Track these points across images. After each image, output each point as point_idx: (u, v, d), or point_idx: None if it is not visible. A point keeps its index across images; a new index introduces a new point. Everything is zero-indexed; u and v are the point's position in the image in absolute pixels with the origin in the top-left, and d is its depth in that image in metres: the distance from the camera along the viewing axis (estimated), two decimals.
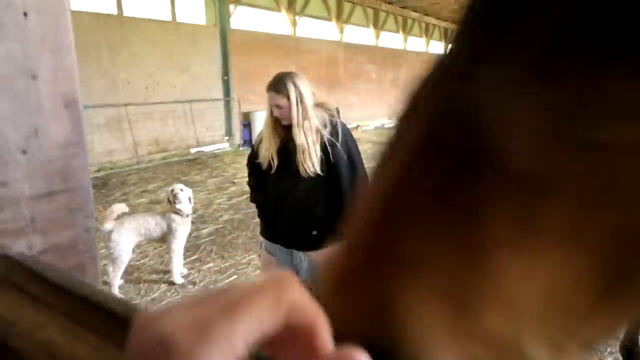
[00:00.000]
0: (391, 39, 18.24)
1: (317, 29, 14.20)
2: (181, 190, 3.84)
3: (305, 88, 2.07)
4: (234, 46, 10.53)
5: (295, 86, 2.04)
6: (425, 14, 19.45)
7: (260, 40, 11.53)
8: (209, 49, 10.16)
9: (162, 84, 9.17)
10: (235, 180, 7.40)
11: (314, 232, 2.18)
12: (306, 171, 2.04)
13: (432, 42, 21.18)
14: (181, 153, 9.58)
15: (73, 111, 0.59)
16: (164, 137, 9.35)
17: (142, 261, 4.18)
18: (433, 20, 20.48)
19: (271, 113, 2.12)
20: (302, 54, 12.89)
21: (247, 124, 10.87)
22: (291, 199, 2.17)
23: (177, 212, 3.77)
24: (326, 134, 2.06)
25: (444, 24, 21.50)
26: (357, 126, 15.13)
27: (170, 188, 3.87)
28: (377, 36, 16.82)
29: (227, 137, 10.76)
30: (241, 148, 10.70)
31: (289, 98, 2.02)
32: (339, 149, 2.06)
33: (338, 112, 2.18)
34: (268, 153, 2.15)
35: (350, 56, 15.09)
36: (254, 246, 4.51)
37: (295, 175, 2.07)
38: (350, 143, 2.13)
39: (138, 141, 8.80)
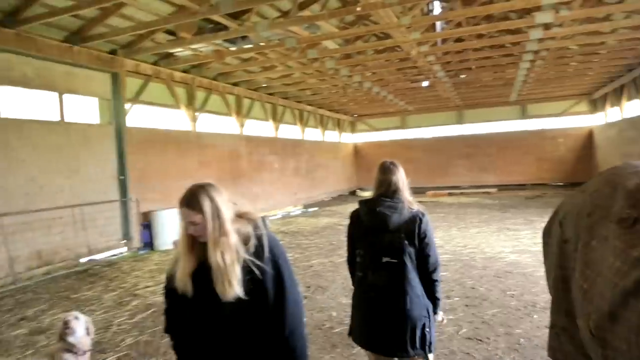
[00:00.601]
0: (290, 130, 19.04)
1: (217, 123, 14.30)
2: (76, 318, 3.22)
3: (222, 200, 1.86)
4: (131, 144, 10.04)
5: (211, 200, 1.83)
6: (319, 107, 20.86)
7: (159, 136, 11.20)
8: (103, 149, 9.54)
9: (46, 189, 8.23)
10: (137, 292, 6.58)
11: None
12: (225, 295, 1.77)
13: (327, 131, 22.54)
14: (69, 265, 8.43)
15: None
16: (48, 248, 8.21)
17: None
18: (326, 112, 22.00)
19: (185, 230, 1.88)
20: (204, 149, 12.74)
21: (147, 225, 10.10)
22: (214, 328, 1.87)
23: (70, 349, 3.12)
24: (249, 249, 1.83)
25: (336, 115, 23.20)
26: (264, 217, 14.94)
27: (64, 317, 3.23)
28: (277, 128, 17.45)
29: (124, 241, 9.82)
30: (140, 252, 9.79)
31: (203, 213, 1.81)
32: (265, 266, 1.84)
33: (264, 223, 1.97)
34: (184, 275, 1.87)
35: (252, 148, 15.30)
36: None
37: (216, 300, 1.79)
38: (277, 257, 1.90)
39: (15, 256, 7.59)
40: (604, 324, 1.47)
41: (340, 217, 14.25)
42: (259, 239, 1.86)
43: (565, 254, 1.87)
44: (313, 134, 21.26)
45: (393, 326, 2.54)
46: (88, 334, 3.19)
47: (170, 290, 1.98)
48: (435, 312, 2.72)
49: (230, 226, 1.83)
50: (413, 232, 2.58)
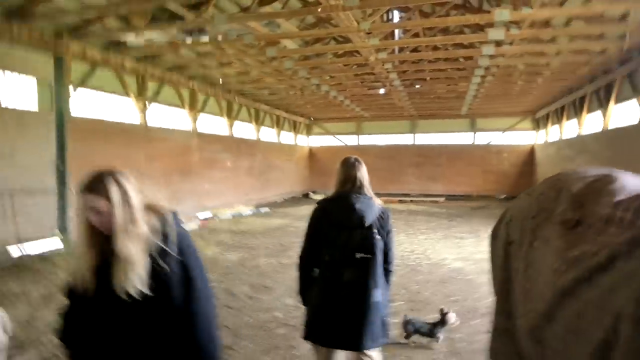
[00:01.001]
0: (245, 129, 18.74)
1: (168, 116, 13.81)
2: None
3: (132, 187, 1.71)
4: (74, 132, 9.45)
5: (119, 185, 1.67)
6: (276, 107, 20.70)
7: (105, 127, 10.63)
8: (41, 135, 8.91)
9: None
10: None
11: None
12: (129, 290, 1.61)
13: (282, 132, 22.39)
14: None
15: None
16: None
17: None
18: (283, 113, 21.87)
19: (86, 220, 1.68)
20: (153, 142, 12.23)
21: None
22: (116, 331, 1.68)
23: None
24: (156, 244, 1.68)
25: (292, 117, 23.11)
26: (214, 215, 14.59)
27: None
28: (231, 126, 17.11)
29: (60, 234, 9.20)
30: None
31: (110, 200, 1.64)
32: (172, 263, 1.69)
33: (176, 217, 1.81)
34: (83, 272, 1.68)
35: (204, 145, 14.90)
36: None
37: (119, 298, 1.62)
38: (187, 254, 1.75)
39: None
40: (542, 324, 1.48)
41: (292, 219, 14.16)
42: (167, 234, 1.71)
43: (510, 255, 1.89)
44: (268, 134, 21.05)
45: (368, 319, 2.59)
46: (5, 331, 2.91)
47: (70, 291, 1.76)
48: None
49: (140, 215, 1.67)
50: (383, 227, 2.69)
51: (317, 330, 2.68)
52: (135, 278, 1.60)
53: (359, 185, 2.67)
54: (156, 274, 1.65)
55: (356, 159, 2.75)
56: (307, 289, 2.76)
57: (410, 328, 4.14)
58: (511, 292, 1.81)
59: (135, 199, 1.68)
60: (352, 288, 2.59)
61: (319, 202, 2.79)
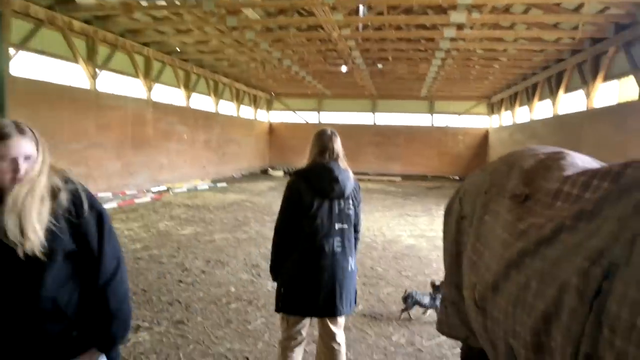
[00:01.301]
0: (202, 101, 18.17)
1: (121, 85, 13.14)
2: None
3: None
4: (14, 96, 8.80)
5: (37, 134, 1.55)
6: (235, 80, 20.16)
7: (50, 91, 9.97)
8: None
9: None
10: None
11: (75, 333, 1.62)
12: (26, 250, 1.44)
13: (242, 106, 21.91)
14: None
15: None
16: None
17: None
18: (243, 87, 21.36)
19: None
20: (104, 110, 11.63)
21: None
22: (26, 295, 1.52)
23: None
24: (62, 203, 1.55)
25: (252, 91, 22.63)
26: (168, 189, 14.19)
27: None
28: (188, 97, 16.54)
29: None
30: None
31: (37, 145, 1.51)
32: (83, 222, 1.58)
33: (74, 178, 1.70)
34: None
35: (159, 115, 14.34)
36: None
37: (14, 261, 1.45)
38: (96, 213, 1.63)
39: None
40: (487, 295, 1.53)
41: (250, 195, 14.01)
42: (74, 192, 1.59)
43: (461, 230, 1.93)
44: (227, 107, 20.54)
45: (347, 287, 2.67)
46: None
47: None
48: None
49: (47, 171, 1.53)
50: (356, 198, 2.79)
51: (295, 302, 2.65)
52: (34, 236, 1.46)
53: (336, 156, 2.70)
54: (55, 234, 1.52)
55: (332, 131, 2.78)
56: (282, 262, 2.71)
57: (410, 301, 4.22)
58: (460, 266, 1.86)
59: (48, 153, 1.56)
60: (334, 258, 2.63)
61: (296, 173, 2.73)
